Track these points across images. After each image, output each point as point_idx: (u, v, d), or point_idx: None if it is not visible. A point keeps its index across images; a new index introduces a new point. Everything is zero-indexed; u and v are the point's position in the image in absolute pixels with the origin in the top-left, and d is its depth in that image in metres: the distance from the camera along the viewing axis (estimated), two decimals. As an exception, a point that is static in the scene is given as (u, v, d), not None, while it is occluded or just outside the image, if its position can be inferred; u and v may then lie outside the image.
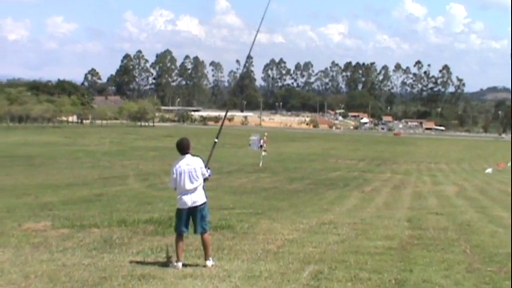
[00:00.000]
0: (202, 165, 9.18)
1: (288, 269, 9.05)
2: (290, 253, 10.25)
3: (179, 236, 9.18)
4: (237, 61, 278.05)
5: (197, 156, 9.26)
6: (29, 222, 13.71)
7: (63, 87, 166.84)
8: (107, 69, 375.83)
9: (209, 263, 9.13)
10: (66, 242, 11.13)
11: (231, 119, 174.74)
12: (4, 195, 22.41)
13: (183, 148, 9.21)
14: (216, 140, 9.79)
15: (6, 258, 9.64)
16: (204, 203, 9.17)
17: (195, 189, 9.07)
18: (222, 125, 10.42)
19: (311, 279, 8.40)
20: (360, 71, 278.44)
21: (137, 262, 9.39)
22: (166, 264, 9.23)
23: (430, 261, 9.86)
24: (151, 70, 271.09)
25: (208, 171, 9.31)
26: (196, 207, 9.07)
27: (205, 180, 9.26)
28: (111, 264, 9.23)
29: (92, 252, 10.12)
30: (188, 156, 9.17)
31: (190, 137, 9.60)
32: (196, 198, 9.08)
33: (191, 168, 9.05)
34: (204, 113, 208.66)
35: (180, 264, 9.07)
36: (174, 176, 9.14)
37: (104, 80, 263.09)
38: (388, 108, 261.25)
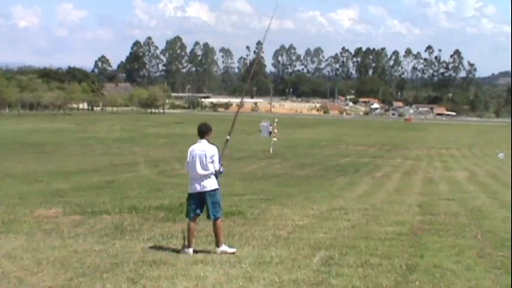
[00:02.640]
0: (216, 154, 9.15)
1: (299, 254, 9.07)
2: (301, 239, 10.27)
3: (191, 222, 9.22)
4: (247, 47, 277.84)
5: (214, 144, 9.25)
6: (40, 208, 13.79)
7: (74, 74, 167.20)
8: (117, 56, 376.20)
9: (220, 249, 9.16)
10: (77, 228, 11.20)
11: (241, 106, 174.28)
12: (16, 182, 22.57)
13: (201, 132, 9.26)
14: (228, 138, 9.67)
15: (19, 244, 9.71)
16: (215, 190, 9.17)
17: (206, 175, 9.09)
18: (233, 123, 9.77)
19: (322, 265, 8.42)
20: (371, 57, 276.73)
21: (148, 248, 9.44)
22: (177, 250, 9.26)
23: (441, 246, 9.86)
24: (162, 57, 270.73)
25: (221, 168, 9.27)
26: (205, 192, 9.09)
27: (216, 175, 9.20)
28: (122, 250, 9.29)
29: (103, 239, 10.18)
30: (204, 141, 9.19)
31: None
32: (206, 183, 9.10)
33: (202, 153, 9.07)
34: (214, 100, 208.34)
35: (191, 250, 9.10)
36: (188, 159, 9.19)
37: (114, 67, 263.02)
38: (399, 93, 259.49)
